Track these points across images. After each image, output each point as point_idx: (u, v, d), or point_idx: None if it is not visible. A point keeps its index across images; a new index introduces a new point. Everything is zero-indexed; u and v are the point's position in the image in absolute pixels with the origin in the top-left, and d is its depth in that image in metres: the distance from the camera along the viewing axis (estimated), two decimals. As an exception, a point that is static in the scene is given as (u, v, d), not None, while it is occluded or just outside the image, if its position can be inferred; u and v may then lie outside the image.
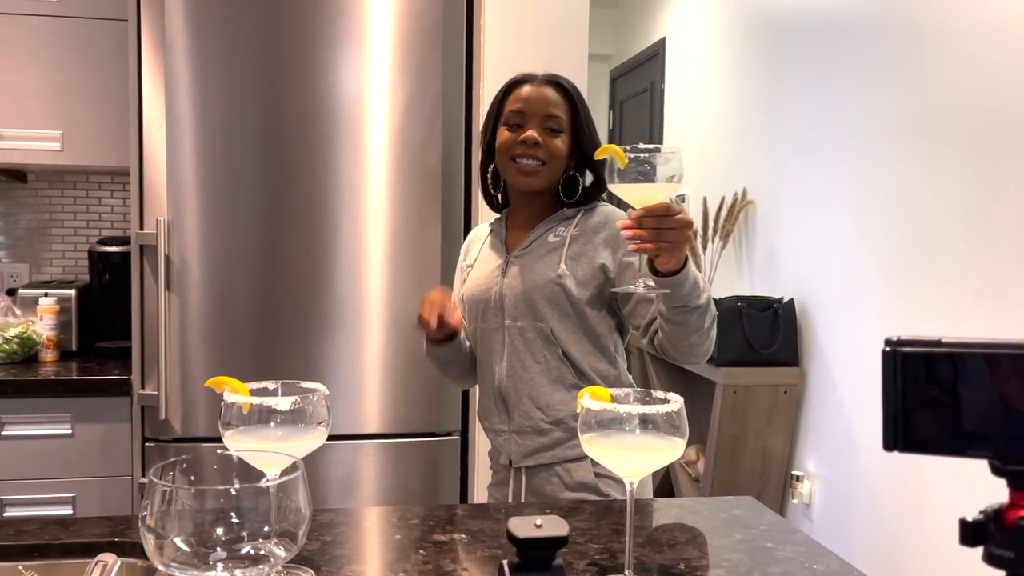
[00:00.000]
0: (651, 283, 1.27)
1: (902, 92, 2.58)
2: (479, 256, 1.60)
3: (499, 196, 1.62)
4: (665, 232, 1.22)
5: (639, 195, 1.21)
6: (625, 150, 1.19)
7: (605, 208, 1.56)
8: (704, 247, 3.66)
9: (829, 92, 2.99)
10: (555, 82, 1.52)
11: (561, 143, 1.50)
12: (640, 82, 5.16)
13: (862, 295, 2.77)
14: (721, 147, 3.95)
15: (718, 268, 3.69)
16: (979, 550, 0.52)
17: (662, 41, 4.79)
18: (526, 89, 1.51)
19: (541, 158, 1.48)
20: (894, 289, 2.60)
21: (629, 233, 1.23)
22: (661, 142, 4.74)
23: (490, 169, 1.58)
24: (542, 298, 1.47)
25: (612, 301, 1.50)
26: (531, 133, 1.47)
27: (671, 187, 1.21)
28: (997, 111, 2.19)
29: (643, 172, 1.19)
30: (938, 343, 0.48)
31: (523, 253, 1.52)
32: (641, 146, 1.20)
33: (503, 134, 1.51)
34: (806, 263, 3.11)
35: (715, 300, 3.49)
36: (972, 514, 0.50)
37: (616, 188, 1.23)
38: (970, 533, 0.49)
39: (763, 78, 3.53)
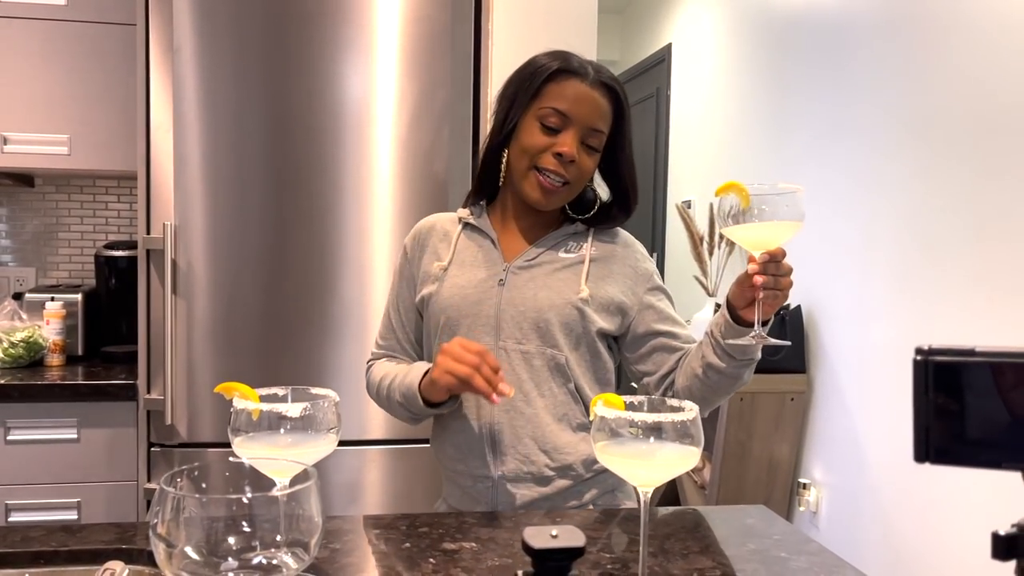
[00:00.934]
0: (763, 334, 1.14)
1: (911, 99, 2.57)
2: (454, 258, 1.34)
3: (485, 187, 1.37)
4: (780, 280, 1.11)
5: (764, 237, 1.08)
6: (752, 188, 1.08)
7: (625, 235, 1.39)
8: (710, 253, 3.65)
9: (836, 99, 2.98)
10: (608, 86, 1.28)
11: (594, 163, 1.30)
12: (646, 88, 5.16)
13: (870, 302, 2.76)
14: (728, 154, 3.95)
15: (724, 274, 3.68)
16: (985, 560, 0.51)
17: (668, 47, 4.79)
18: (576, 86, 1.25)
19: (568, 178, 1.27)
20: (902, 297, 2.59)
21: (760, 280, 1.10)
22: (667, 148, 4.73)
23: (505, 155, 1.31)
24: (557, 320, 1.27)
25: (608, 338, 1.34)
26: (570, 149, 1.25)
27: (797, 227, 1.09)
28: (1007, 118, 2.18)
29: (764, 213, 1.07)
30: (972, 352, 0.47)
31: (528, 265, 1.31)
32: (758, 184, 1.08)
33: (535, 133, 1.26)
34: (813, 270, 3.10)
35: (722, 306, 3.45)
36: (1004, 527, 0.48)
37: (735, 230, 1.09)
38: (1003, 547, 0.47)
39: (770, 84, 3.52)
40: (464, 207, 1.41)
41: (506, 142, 1.31)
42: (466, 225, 1.37)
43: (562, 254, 1.33)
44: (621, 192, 1.36)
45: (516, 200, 1.36)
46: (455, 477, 1.34)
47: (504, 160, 1.32)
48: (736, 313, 1.18)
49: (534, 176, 1.28)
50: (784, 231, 1.08)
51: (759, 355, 1.24)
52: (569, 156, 1.25)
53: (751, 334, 1.15)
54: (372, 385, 1.40)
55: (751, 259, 1.11)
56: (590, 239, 1.35)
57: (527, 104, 1.28)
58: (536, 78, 1.27)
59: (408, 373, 1.30)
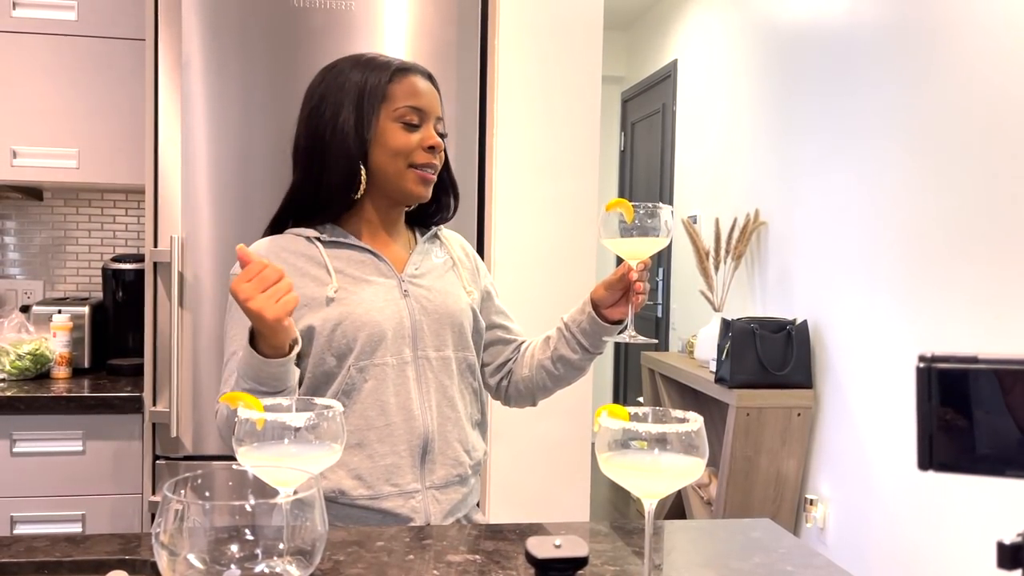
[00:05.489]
0: (634, 333, 1.29)
1: (916, 113, 2.57)
2: (339, 278, 1.28)
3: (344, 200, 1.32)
4: (647, 286, 1.28)
5: (641, 249, 1.24)
6: (635, 206, 1.23)
7: (452, 232, 1.48)
8: (716, 268, 3.64)
9: (842, 112, 2.99)
10: (432, 76, 1.35)
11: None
12: (652, 104, 5.18)
13: (876, 317, 2.75)
14: (733, 168, 3.95)
15: (730, 289, 3.68)
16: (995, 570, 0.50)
17: (674, 63, 4.81)
18: (419, 82, 1.31)
19: (438, 166, 1.34)
20: (909, 311, 2.58)
21: (641, 287, 1.26)
22: (673, 164, 4.74)
23: (363, 169, 1.28)
24: (467, 323, 1.36)
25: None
26: (438, 140, 1.32)
27: (666, 242, 1.26)
28: (1016, 128, 2.18)
29: (643, 227, 1.22)
30: (974, 359, 0.47)
31: (420, 273, 1.34)
32: (636, 204, 1.23)
33: (397, 134, 1.28)
34: (819, 284, 3.10)
35: (728, 321, 3.44)
36: (1009, 536, 0.48)
37: (617, 242, 1.24)
38: (1009, 556, 0.47)
39: (775, 99, 3.53)
40: (292, 228, 1.35)
41: (360, 153, 1.29)
42: (327, 244, 1.31)
43: (434, 259, 1.40)
44: (449, 181, 1.42)
45: (380, 210, 1.35)
46: (375, 501, 1.27)
47: (361, 172, 1.29)
48: (600, 311, 1.32)
49: (412, 173, 1.30)
50: (657, 245, 1.24)
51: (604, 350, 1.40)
52: (440, 147, 1.32)
53: (629, 334, 1.28)
54: (222, 416, 1.23)
55: (628, 268, 1.26)
56: (440, 242, 1.43)
57: (377, 109, 1.29)
58: (380, 83, 1.29)
59: (235, 353, 1.22)
